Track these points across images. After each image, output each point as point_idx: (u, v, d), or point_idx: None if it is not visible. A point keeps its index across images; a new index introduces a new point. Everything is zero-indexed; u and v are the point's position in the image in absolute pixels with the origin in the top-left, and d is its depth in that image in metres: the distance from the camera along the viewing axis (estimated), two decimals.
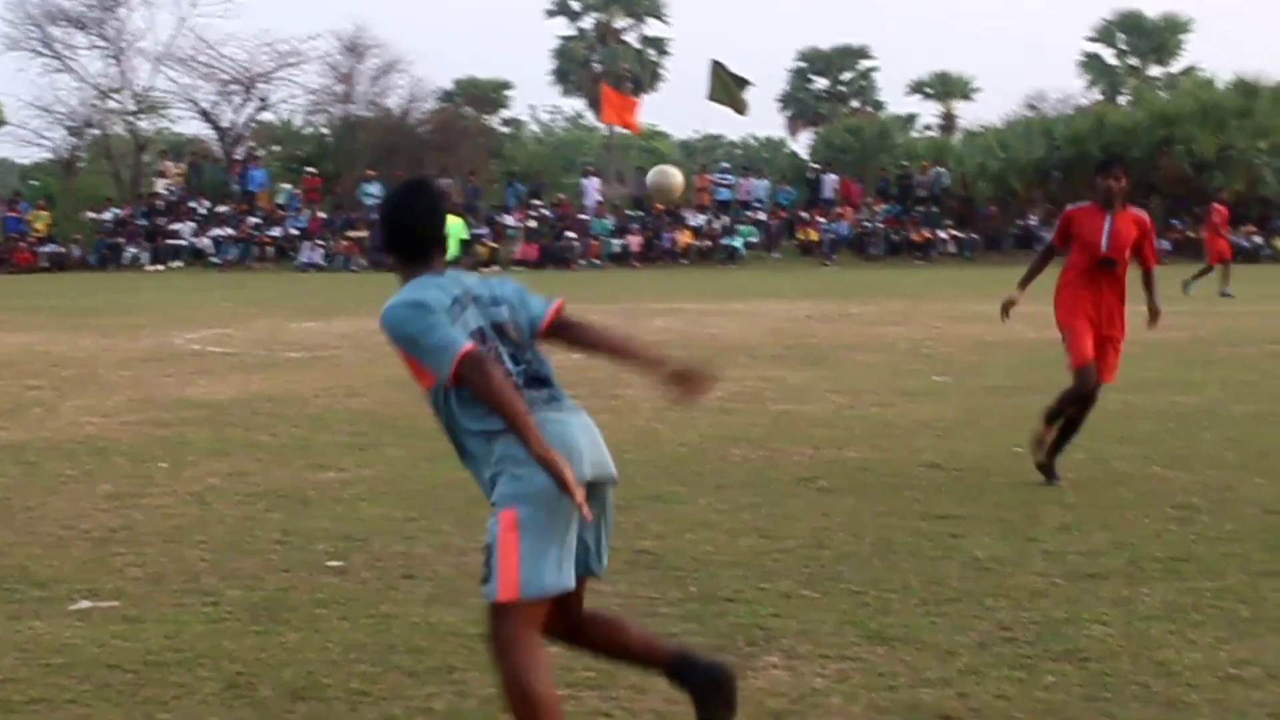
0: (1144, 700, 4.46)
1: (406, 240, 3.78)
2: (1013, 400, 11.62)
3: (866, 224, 43.67)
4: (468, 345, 3.50)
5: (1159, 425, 10.30)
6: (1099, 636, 5.12)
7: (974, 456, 9.07)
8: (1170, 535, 6.79)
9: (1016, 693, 4.53)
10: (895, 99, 75.94)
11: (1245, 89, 45.41)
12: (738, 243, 41.79)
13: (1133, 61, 64.43)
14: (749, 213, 43.93)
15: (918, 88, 65.09)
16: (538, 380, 3.68)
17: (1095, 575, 6.02)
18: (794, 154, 62.16)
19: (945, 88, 65.28)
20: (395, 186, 3.95)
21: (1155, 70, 63.74)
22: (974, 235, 43.57)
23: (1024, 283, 8.17)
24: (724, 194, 44.39)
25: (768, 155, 74.19)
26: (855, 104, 66.05)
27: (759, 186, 45.58)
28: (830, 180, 46.07)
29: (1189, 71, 60.10)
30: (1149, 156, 44.55)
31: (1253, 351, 15.32)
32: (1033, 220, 43.81)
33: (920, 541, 6.63)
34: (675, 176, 8.85)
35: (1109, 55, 64.93)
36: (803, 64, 67.81)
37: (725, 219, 43.07)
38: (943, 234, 43.42)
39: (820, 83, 67.67)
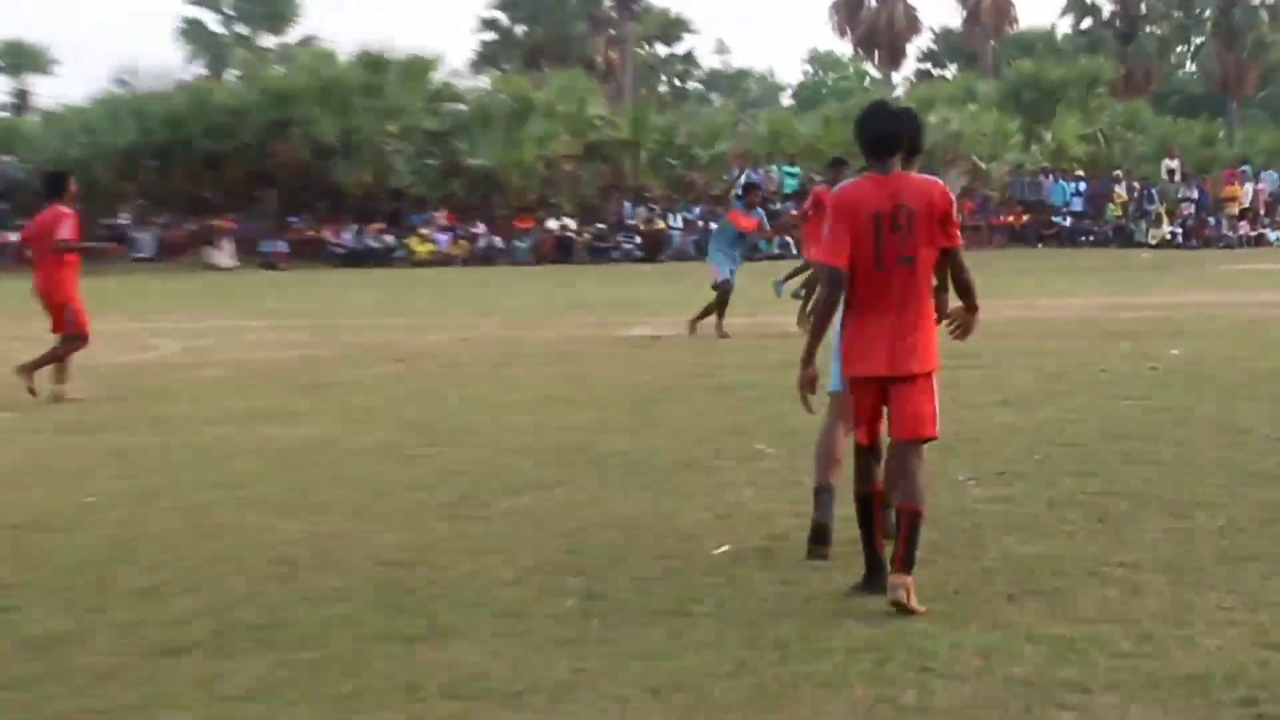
0: None
1: None
2: (98, 439, 11.62)
3: None
4: None
5: (259, 464, 10.77)
6: None
7: (37, 509, 8.97)
8: (266, 597, 7.10)
9: None
10: None
11: (371, 63, 48.31)
12: None
13: (242, 29, 66.47)
14: None
15: None
16: None
17: (177, 650, 6.18)
18: None
19: (16, 59, 63.69)
20: None
21: (269, 40, 66.24)
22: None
23: None
24: None
25: None
26: None
27: None
28: None
29: (307, 42, 63.04)
30: (262, 141, 46.19)
31: (376, 374, 16.41)
32: (123, 218, 43.64)
33: None
34: None
35: (213, 21, 66.49)
36: None
37: None
38: (12, 235, 42.14)
39: None
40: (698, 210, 47.29)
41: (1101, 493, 9.14)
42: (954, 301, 7.42)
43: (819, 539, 7.72)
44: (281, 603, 7.00)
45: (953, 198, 7.16)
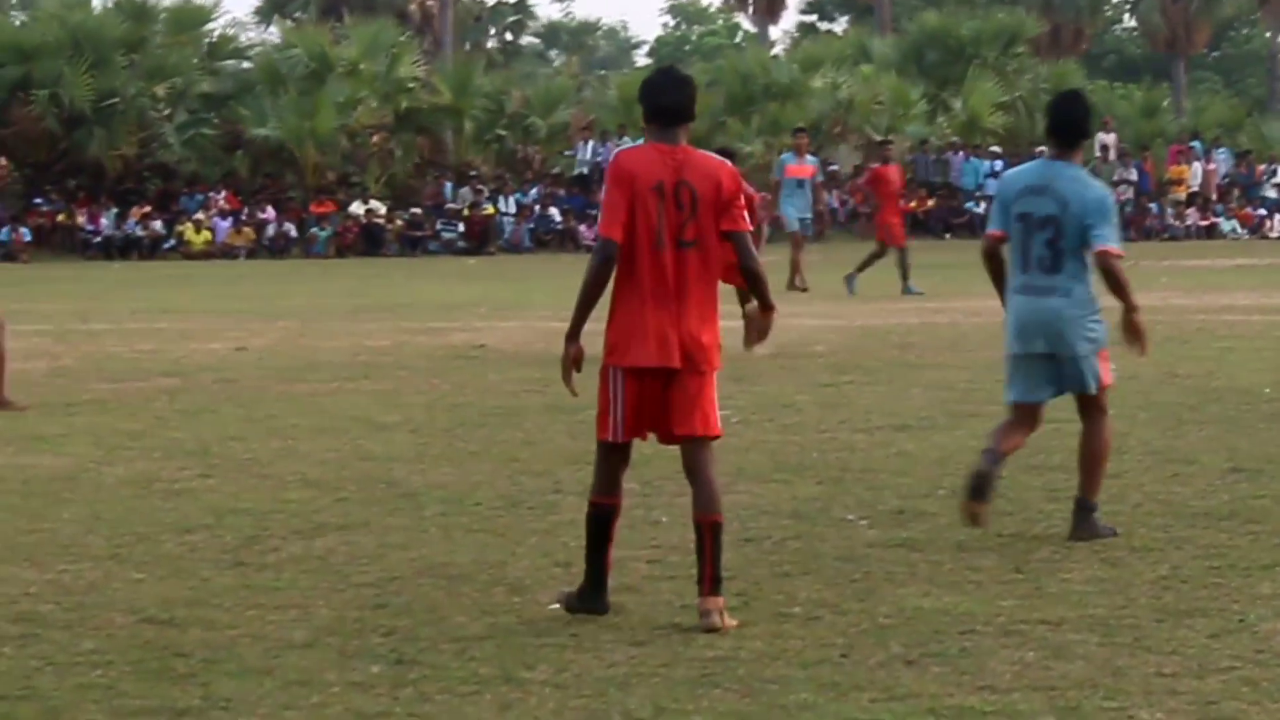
0: None
1: None
2: None
3: None
4: None
5: None
6: None
7: None
8: (5, 661, 7.03)
9: None
10: None
11: (133, 11, 47.86)
12: None
13: None
14: None
15: None
16: None
17: None
18: None
19: None
20: None
21: None
22: None
23: None
24: None
25: None
26: None
27: None
28: None
29: None
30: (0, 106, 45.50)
31: (139, 389, 16.23)
32: None
33: None
34: None
35: None
36: None
37: None
38: None
39: None
40: (533, 193, 47.35)
41: (1018, 535, 9.29)
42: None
43: (977, 492, 8.95)
44: (21, 669, 6.92)
45: (742, 180, 7.80)
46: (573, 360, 7.56)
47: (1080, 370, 9.30)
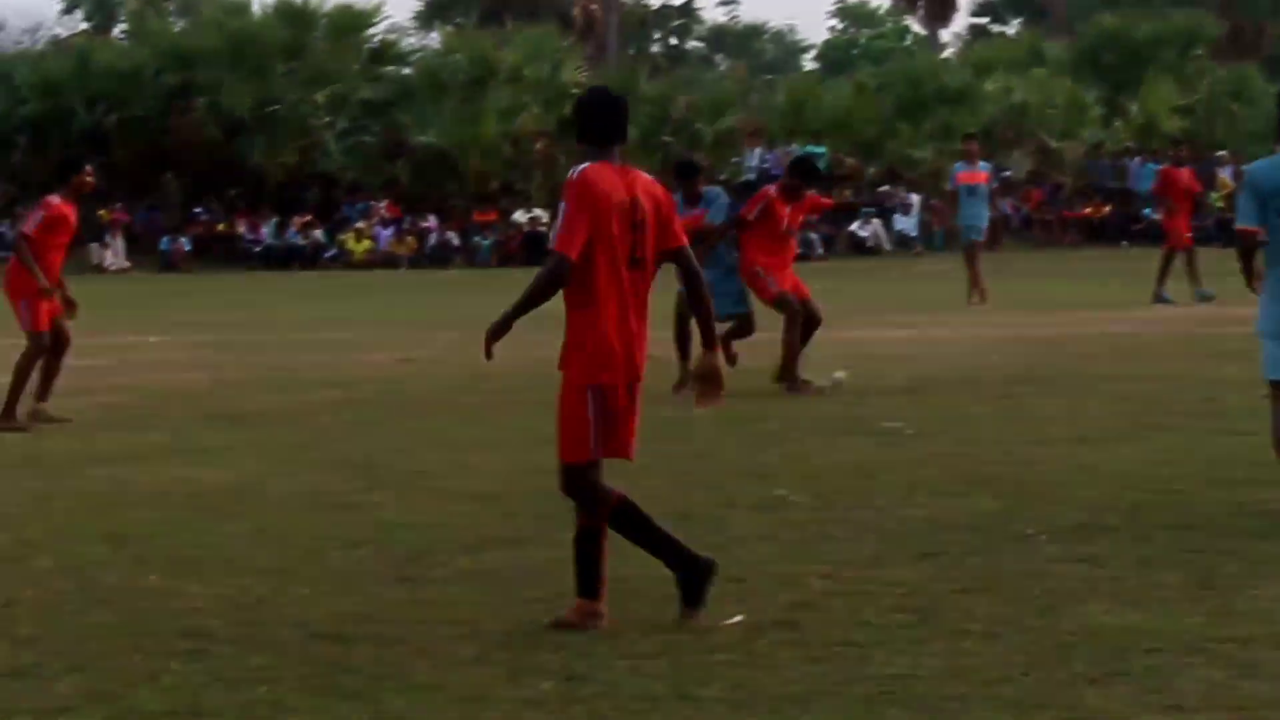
0: None
1: None
2: None
3: None
4: None
5: (161, 514, 10.82)
6: None
7: None
8: (171, 678, 7.11)
9: None
10: None
11: (293, 16, 48.38)
12: None
13: None
14: None
15: None
16: None
17: None
18: None
19: None
20: None
21: None
22: None
23: None
24: None
25: None
26: None
27: None
28: None
29: None
30: (159, 114, 46.22)
31: (305, 402, 16.42)
32: None
33: None
34: None
35: None
36: None
37: None
38: None
39: None
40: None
41: (1205, 550, 9.16)
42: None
43: None
44: (190, 685, 7.00)
45: (676, 198, 7.96)
46: (495, 336, 7.95)
47: None
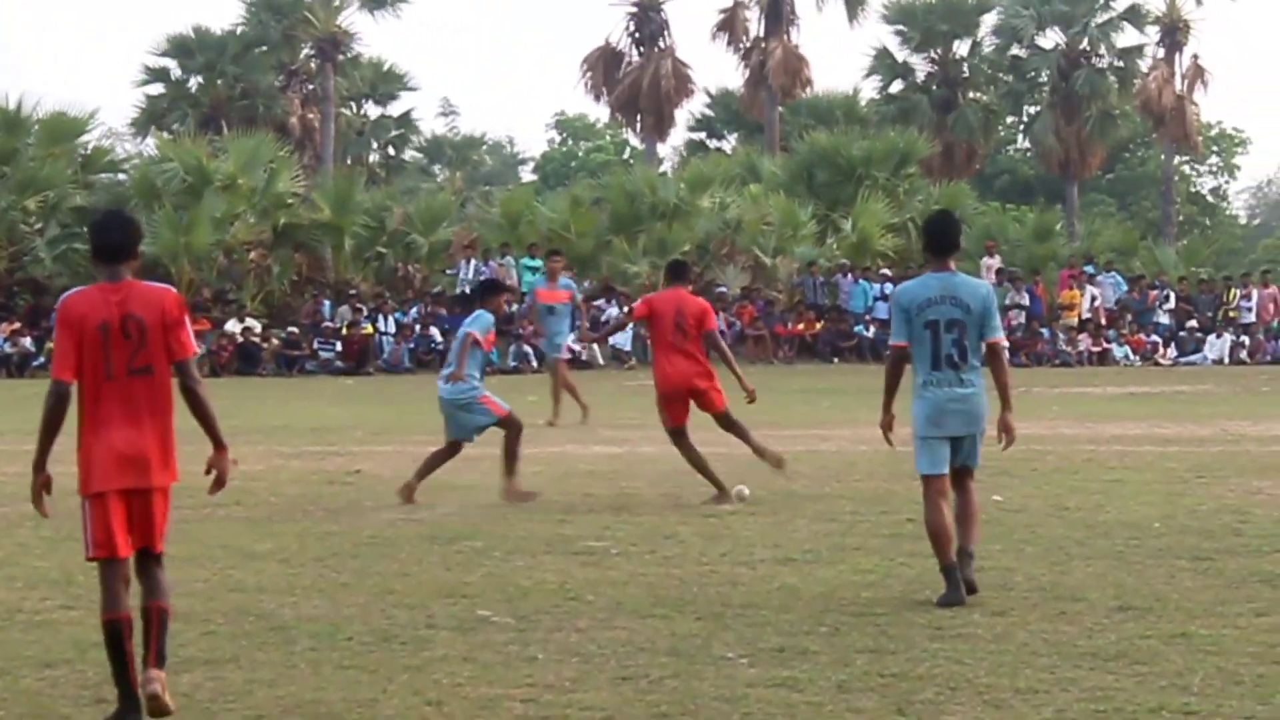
0: None
1: None
2: None
3: None
4: None
5: None
6: None
7: None
8: None
9: None
10: None
11: (7, 123, 47.61)
12: None
13: None
14: None
15: None
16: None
17: None
18: None
19: None
20: None
21: None
22: None
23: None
24: None
25: None
26: None
27: None
28: None
29: None
30: None
31: (1, 514, 16.06)
32: None
33: None
34: None
35: None
36: None
37: None
38: None
39: None
40: (414, 312, 47.33)
41: (902, 675, 9.33)
42: None
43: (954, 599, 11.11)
44: None
45: (185, 304, 8.73)
46: (41, 486, 8.60)
47: (978, 445, 11.66)
